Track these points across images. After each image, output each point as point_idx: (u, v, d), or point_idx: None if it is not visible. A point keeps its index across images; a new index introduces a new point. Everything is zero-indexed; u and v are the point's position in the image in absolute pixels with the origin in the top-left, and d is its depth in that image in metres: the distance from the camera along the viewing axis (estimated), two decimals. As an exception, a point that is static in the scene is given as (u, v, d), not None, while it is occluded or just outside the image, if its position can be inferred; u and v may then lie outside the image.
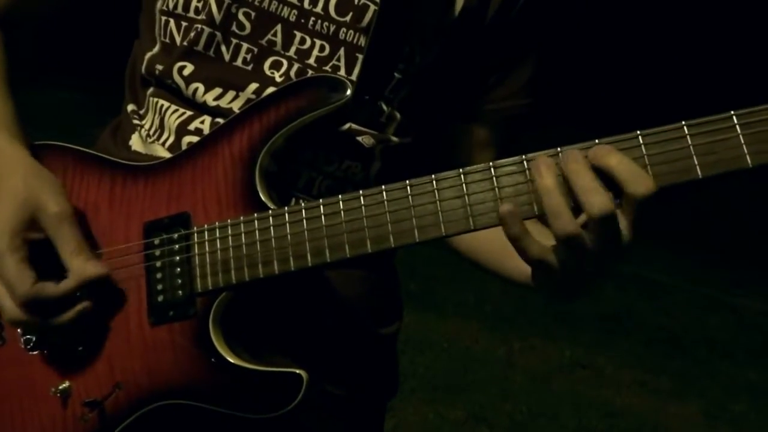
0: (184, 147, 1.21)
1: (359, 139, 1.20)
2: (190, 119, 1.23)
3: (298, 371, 1.06)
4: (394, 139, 1.23)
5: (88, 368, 1.16)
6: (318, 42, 1.18)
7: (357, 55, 1.18)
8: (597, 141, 0.96)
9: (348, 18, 1.17)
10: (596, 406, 4.54)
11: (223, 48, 1.20)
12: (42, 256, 1.13)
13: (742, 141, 0.90)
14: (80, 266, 1.11)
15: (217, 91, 1.21)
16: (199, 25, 1.20)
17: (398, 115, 1.23)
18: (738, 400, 5.00)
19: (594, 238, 0.94)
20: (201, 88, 1.21)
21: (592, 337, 5.45)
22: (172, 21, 1.23)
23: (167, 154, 1.22)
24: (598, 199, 0.92)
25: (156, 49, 1.26)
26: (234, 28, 1.19)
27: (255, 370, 1.08)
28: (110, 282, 1.15)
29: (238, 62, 1.20)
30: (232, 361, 1.09)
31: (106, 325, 1.15)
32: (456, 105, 1.29)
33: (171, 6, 1.23)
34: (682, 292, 6.87)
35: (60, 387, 1.16)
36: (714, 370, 5.41)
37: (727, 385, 5.18)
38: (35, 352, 1.19)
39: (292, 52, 1.19)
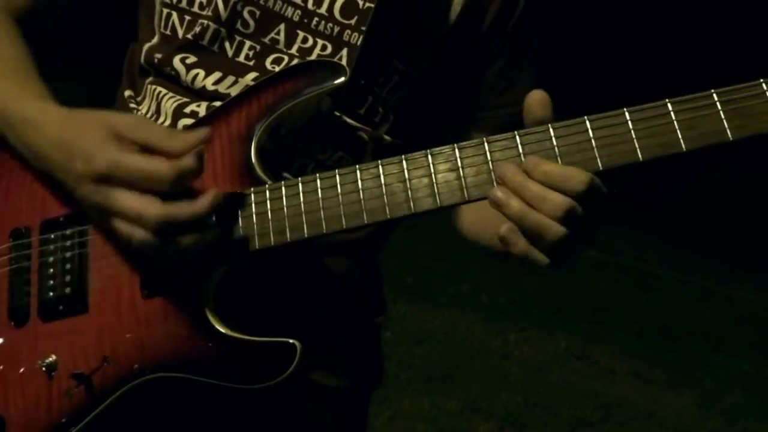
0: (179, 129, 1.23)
1: (353, 134, 1.23)
2: (187, 104, 1.25)
3: (291, 341, 1.07)
4: (387, 138, 1.26)
5: (76, 341, 1.15)
6: (320, 41, 1.21)
7: None
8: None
9: (353, 21, 1.21)
10: (591, 396, 4.57)
11: (227, 44, 1.23)
12: None
13: (723, 116, 0.95)
14: (184, 140, 1.07)
15: (217, 75, 1.23)
16: (205, 21, 1.23)
17: (392, 117, 1.26)
18: (731, 391, 5.03)
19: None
20: (201, 73, 1.24)
21: (587, 328, 5.49)
22: (174, 14, 1.26)
23: None
24: (551, 203, 0.98)
25: (155, 40, 1.29)
26: (239, 25, 1.23)
27: (249, 340, 1.10)
28: (102, 258, 1.15)
29: (241, 58, 1.23)
30: (225, 332, 1.10)
31: (97, 296, 1.16)
32: (452, 110, 1.32)
33: None
34: (676, 284, 6.91)
35: (46, 361, 1.15)
36: (708, 361, 5.45)
37: (720, 377, 5.22)
38: (22, 326, 1.18)
39: (294, 50, 1.22)
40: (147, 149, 1.08)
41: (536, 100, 1.03)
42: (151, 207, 1.04)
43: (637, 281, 6.73)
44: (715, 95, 0.96)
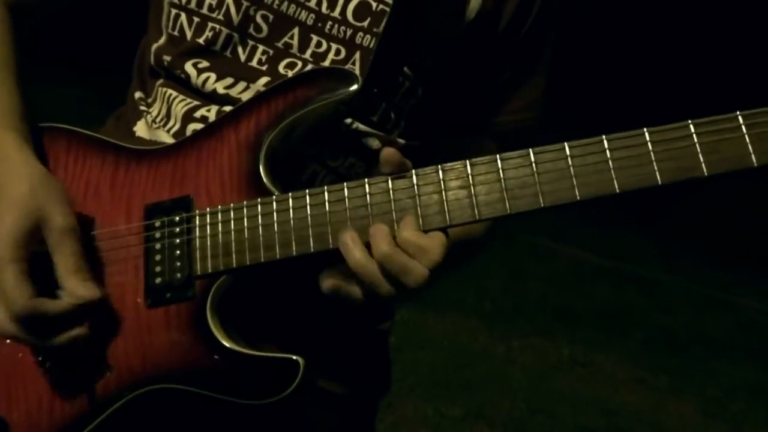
0: (188, 134, 1.22)
1: (365, 140, 1.21)
2: (197, 108, 1.23)
3: (295, 357, 1.05)
4: (400, 141, 1.24)
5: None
6: (334, 46, 1.20)
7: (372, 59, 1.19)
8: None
9: (366, 23, 1.19)
10: (594, 403, 4.55)
11: (240, 49, 1.22)
12: (42, 269, 1.10)
13: (748, 140, 0.92)
14: (75, 287, 1.09)
15: (229, 80, 1.22)
16: (217, 26, 1.21)
17: (403, 123, 1.24)
18: (736, 398, 5.01)
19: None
20: (212, 77, 1.22)
21: (591, 335, 5.46)
22: (183, 15, 1.24)
23: (171, 140, 1.23)
24: (412, 277, 1.00)
25: (162, 40, 1.27)
26: (251, 30, 1.21)
27: (252, 355, 1.08)
28: (107, 265, 1.14)
29: (254, 63, 1.21)
30: (228, 345, 1.08)
31: (100, 306, 1.13)
32: (465, 115, 1.30)
33: (183, 0, 1.24)
34: (680, 291, 6.89)
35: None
36: (712, 368, 5.43)
37: (725, 384, 5.19)
38: None
39: (307, 55, 1.20)
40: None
41: (384, 158, 1.05)
42: (1, 320, 1.09)
43: (640, 288, 6.70)
44: (740, 118, 0.92)
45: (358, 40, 1.19)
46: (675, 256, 7.74)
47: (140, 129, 1.30)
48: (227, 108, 1.20)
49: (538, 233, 6.66)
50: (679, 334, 5.91)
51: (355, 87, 1.10)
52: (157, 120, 1.28)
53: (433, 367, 4.44)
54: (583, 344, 5.24)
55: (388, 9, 1.18)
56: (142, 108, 1.31)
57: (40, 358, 1.15)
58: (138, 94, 1.33)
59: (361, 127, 1.20)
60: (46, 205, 1.10)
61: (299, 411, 1.23)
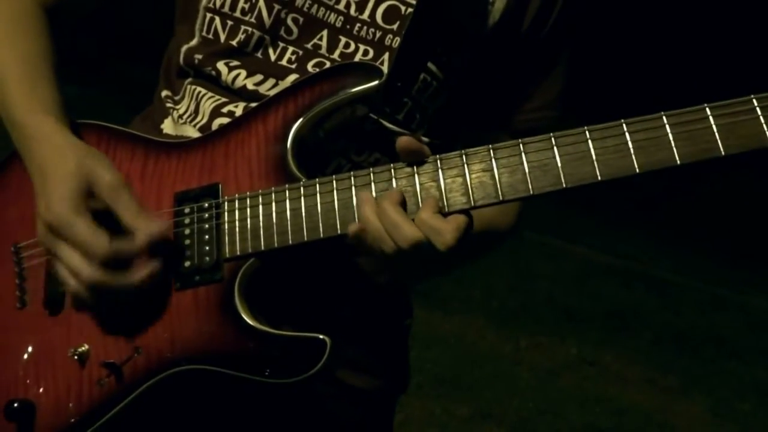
0: (214, 128, 1.25)
1: (391, 137, 1.22)
2: (225, 104, 1.26)
3: (321, 336, 1.08)
4: (424, 139, 1.26)
5: (109, 331, 1.17)
6: (362, 47, 1.23)
7: None
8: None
9: (395, 26, 1.22)
10: (603, 403, 4.54)
11: (271, 50, 1.25)
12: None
13: (762, 121, 0.95)
14: (146, 224, 1.12)
15: (258, 77, 1.25)
16: (249, 28, 1.25)
17: (427, 123, 1.27)
18: (746, 398, 5.00)
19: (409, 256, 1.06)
20: (243, 74, 1.25)
21: (599, 334, 5.46)
22: (217, 18, 1.27)
23: (197, 135, 1.26)
24: (401, 234, 1.03)
25: (194, 42, 1.30)
26: (282, 32, 1.24)
27: (279, 335, 1.10)
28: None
29: (283, 62, 1.25)
30: (256, 326, 1.10)
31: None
32: (486, 113, 1.33)
33: (218, 4, 1.27)
34: (689, 290, 6.88)
35: (79, 350, 1.17)
36: (721, 368, 5.42)
37: (734, 384, 5.18)
38: (56, 315, 1.20)
39: (336, 55, 1.23)
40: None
41: (401, 147, 1.08)
42: (85, 270, 1.12)
43: (649, 287, 6.70)
44: (755, 100, 0.96)
45: (387, 41, 1.22)
46: (684, 255, 7.73)
47: (167, 126, 1.33)
48: (254, 104, 1.23)
49: (545, 232, 6.66)
50: (689, 333, 5.90)
51: (377, 81, 1.13)
52: (184, 116, 1.30)
53: (440, 366, 4.44)
54: (591, 344, 5.24)
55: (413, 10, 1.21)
56: (169, 105, 1.34)
57: (71, 346, 1.18)
58: (165, 93, 1.35)
59: (387, 124, 1.23)
60: (94, 169, 1.15)
61: (320, 402, 1.26)
